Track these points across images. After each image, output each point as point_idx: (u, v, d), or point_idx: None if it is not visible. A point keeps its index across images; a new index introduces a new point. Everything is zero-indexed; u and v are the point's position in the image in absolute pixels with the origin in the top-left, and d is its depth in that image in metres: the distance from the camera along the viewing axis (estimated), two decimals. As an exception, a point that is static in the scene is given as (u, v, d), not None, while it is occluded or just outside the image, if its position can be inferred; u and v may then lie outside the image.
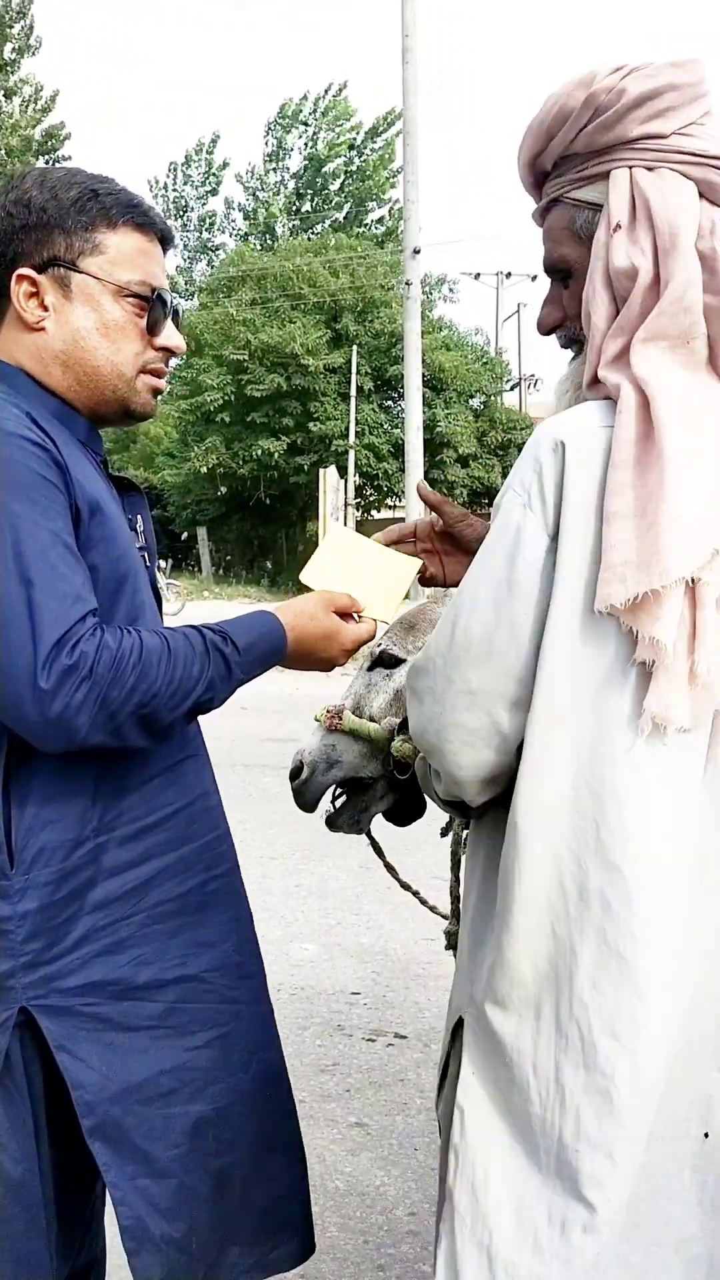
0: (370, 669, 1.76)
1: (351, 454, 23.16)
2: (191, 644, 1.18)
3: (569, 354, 1.24)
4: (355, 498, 23.25)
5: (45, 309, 1.23)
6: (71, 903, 1.20)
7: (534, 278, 30.57)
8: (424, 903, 2.00)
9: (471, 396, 24.67)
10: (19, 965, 1.18)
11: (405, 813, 1.84)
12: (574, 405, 1.15)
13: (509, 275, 30.45)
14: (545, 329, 1.24)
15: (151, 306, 1.26)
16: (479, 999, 1.11)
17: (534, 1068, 1.05)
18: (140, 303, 1.25)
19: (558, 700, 1.04)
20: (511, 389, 29.00)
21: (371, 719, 1.69)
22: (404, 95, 14.53)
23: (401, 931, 3.89)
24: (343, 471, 22.14)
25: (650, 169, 1.10)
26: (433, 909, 2.01)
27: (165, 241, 1.30)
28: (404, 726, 1.59)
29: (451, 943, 1.67)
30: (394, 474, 23.08)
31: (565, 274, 1.19)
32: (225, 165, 34.02)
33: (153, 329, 1.27)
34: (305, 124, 31.56)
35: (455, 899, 1.67)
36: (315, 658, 1.32)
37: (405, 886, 1.98)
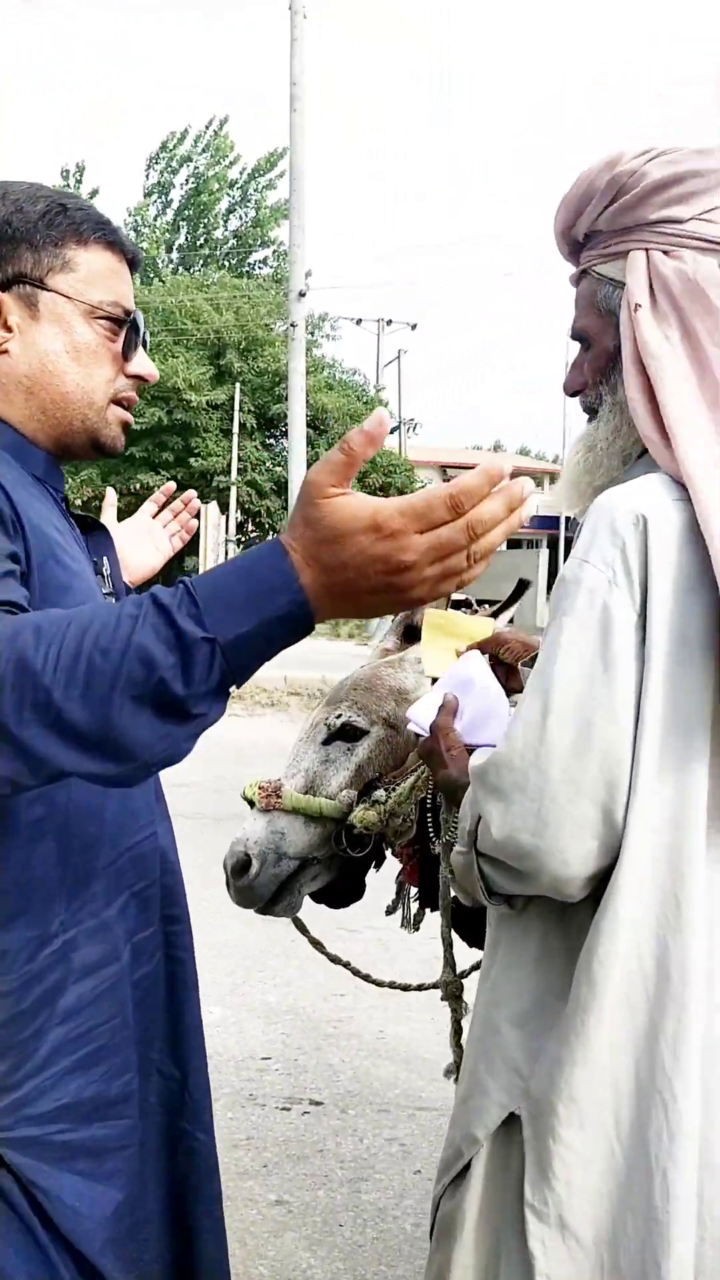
0: (327, 742, 1.61)
1: (233, 490, 23.05)
2: (112, 610, 0.82)
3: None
4: (236, 534, 23.11)
5: (8, 329, 1.11)
6: (39, 1013, 1.05)
7: (414, 326, 31.37)
8: (356, 973, 1.91)
9: (353, 437, 24.99)
10: None
11: (343, 893, 1.74)
12: (595, 467, 1.20)
13: (389, 322, 31.12)
14: (569, 391, 1.27)
15: (125, 330, 1.16)
16: (543, 1094, 1.06)
17: (618, 1150, 1.03)
18: (112, 326, 1.15)
19: (651, 778, 1.01)
20: (392, 432, 29.49)
21: (328, 799, 1.55)
22: (291, 141, 14.76)
23: (310, 988, 3.78)
24: (224, 508, 21.99)
25: (667, 252, 1.14)
26: (365, 977, 1.93)
27: (133, 264, 1.20)
28: (363, 796, 1.52)
29: (448, 993, 1.59)
30: (276, 511, 23.08)
31: (585, 342, 1.24)
32: (95, 194, 33.61)
33: (126, 354, 1.17)
34: (188, 159, 31.55)
35: (449, 946, 1.58)
36: (364, 591, 0.81)
37: (335, 960, 1.89)
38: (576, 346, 1.26)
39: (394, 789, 1.49)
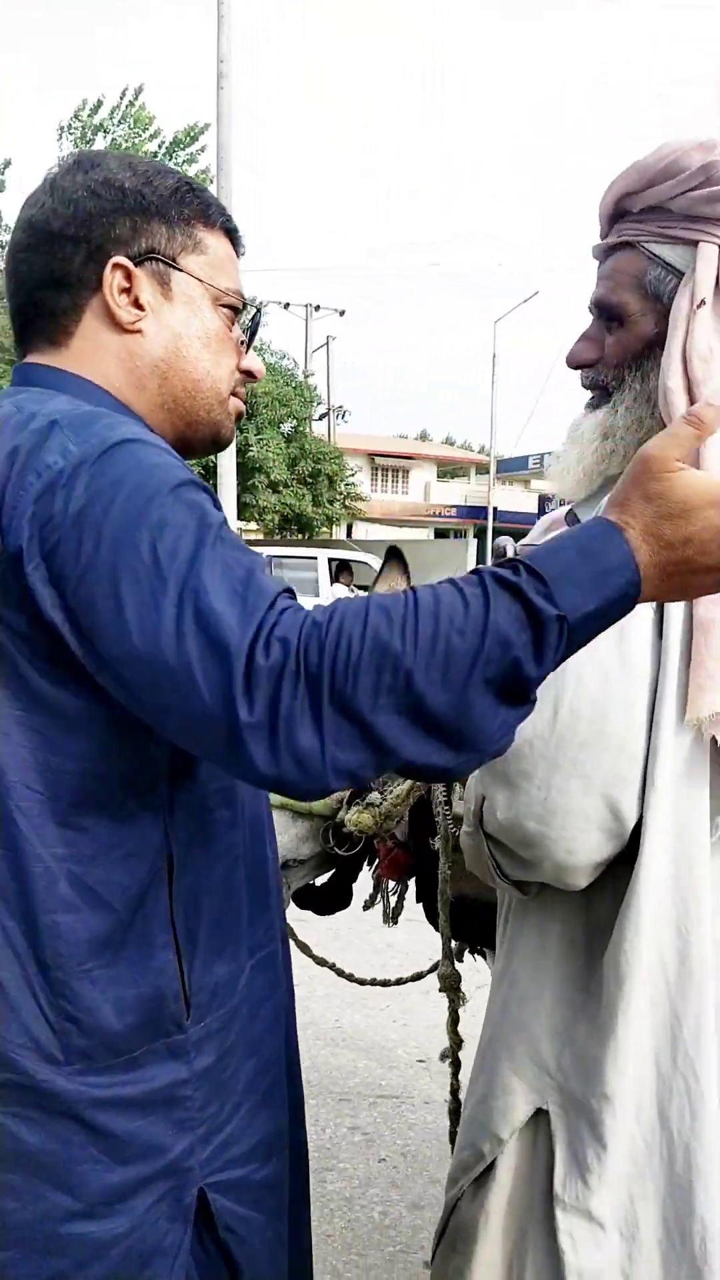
0: None
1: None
2: (448, 589, 0.78)
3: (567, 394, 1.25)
4: (164, 519, 22.78)
5: (140, 308, 1.01)
6: (237, 1048, 1.00)
7: (342, 312, 31.18)
8: (340, 973, 1.92)
9: (283, 422, 24.83)
10: (198, 1138, 0.95)
11: (330, 898, 1.73)
12: (610, 455, 1.16)
13: (318, 308, 30.93)
14: (576, 363, 1.21)
15: (247, 320, 1.11)
16: (576, 1090, 1.07)
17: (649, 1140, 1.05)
18: (232, 315, 1.08)
19: (667, 775, 1.02)
20: (321, 419, 29.44)
21: None
22: (218, 118, 14.51)
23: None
24: (151, 492, 21.63)
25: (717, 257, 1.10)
26: (349, 977, 1.94)
27: (239, 256, 1.13)
28: (355, 797, 1.51)
29: (447, 985, 1.59)
30: (204, 495, 22.82)
31: (617, 319, 1.17)
32: (8, 164, 32.41)
33: (244, 345, 1.10)
34: (102, 129, 30.61)
35: (448, 939, 1.57)
36: (701, 569, 0.80)
37: (320, 961, 1.89)
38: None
39: (389, 790, 1.48)
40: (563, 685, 1.02)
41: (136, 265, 1.00)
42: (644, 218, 1.15)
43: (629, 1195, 1.05)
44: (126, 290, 0.99)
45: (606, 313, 1.18)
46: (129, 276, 0.99)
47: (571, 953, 1.11)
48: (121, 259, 0.99)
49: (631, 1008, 1.04)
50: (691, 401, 1.07)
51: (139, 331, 1.00)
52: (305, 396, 26.98)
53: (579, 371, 1.22)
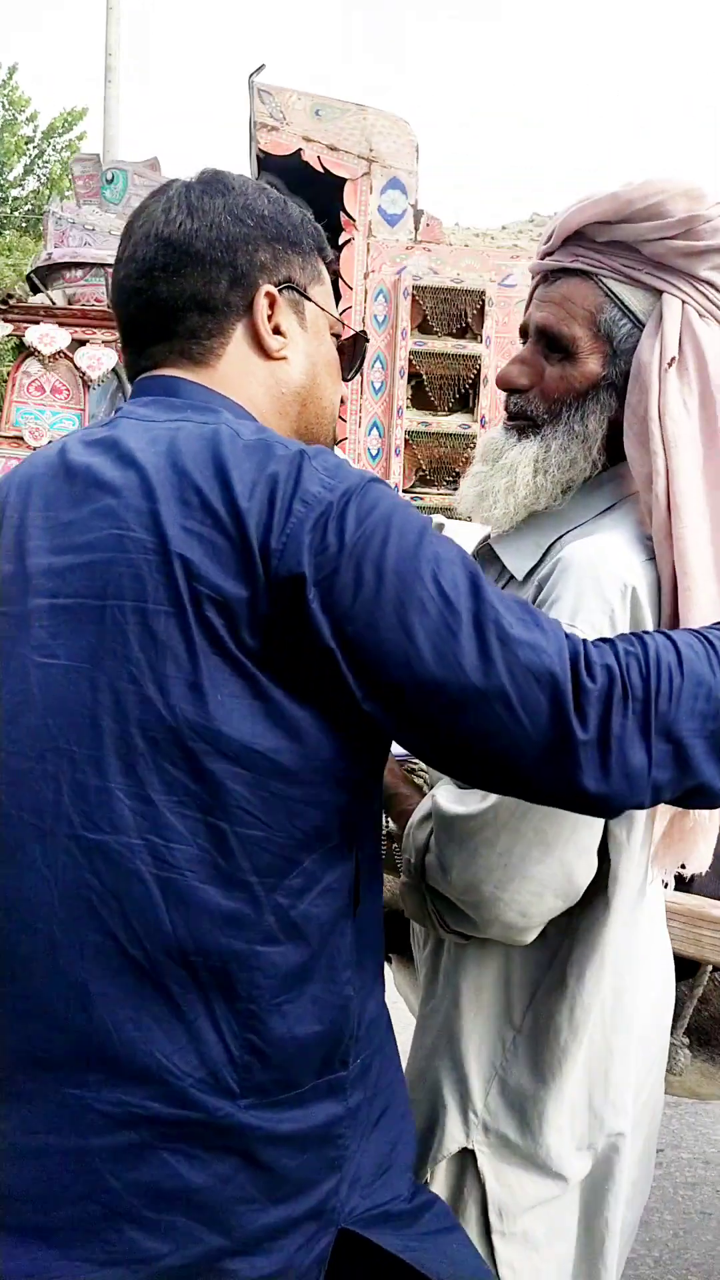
0: None
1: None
2: (693, 632, 0.91)
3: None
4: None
5: (283, 335, 1.02)
6: (381, 1088, 0.97)
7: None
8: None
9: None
10: (344, 1178, 0.92)
11: None
12: (539, 492, 1.13)
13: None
14: (509, 386, 1.15)
15: (354, 348, 1.12)
16: (509, 1130, 1.12)
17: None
18: (334, 344, 1.10)
19: (636, 845, 1.10)
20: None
21: None
22: (105, 112, 14.38)
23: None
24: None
25: (701, 315, 1.08)
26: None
27: None
28: None
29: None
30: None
31: (563, 351, 1.13)
32: None
33: (346, 374, 1.11)
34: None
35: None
36: None
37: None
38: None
39: None
40: None
41: (280, 293, 1.02)
42: (607, 251, 1.11)
43: (552, 1214, 1.14)
44: (269, 317, 1.01)
45: (553, 343, 1.13)
46: (273, 304, 1.01)
47: (506, 992, 1.14)
48: (270, 287, 1.00)
49: (581, 1053, 1.10)
50: (669, 473, 1.06)
51: (284, 359, 1.02)
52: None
53: (505, 394, 1.18)
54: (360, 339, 1.12)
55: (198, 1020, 0.84)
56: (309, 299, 1.05)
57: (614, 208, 1.08)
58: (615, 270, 1.10)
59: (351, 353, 1.11)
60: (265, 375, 1.01)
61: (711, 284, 1.08)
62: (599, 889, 1.09)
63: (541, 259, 1.16)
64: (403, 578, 0.82)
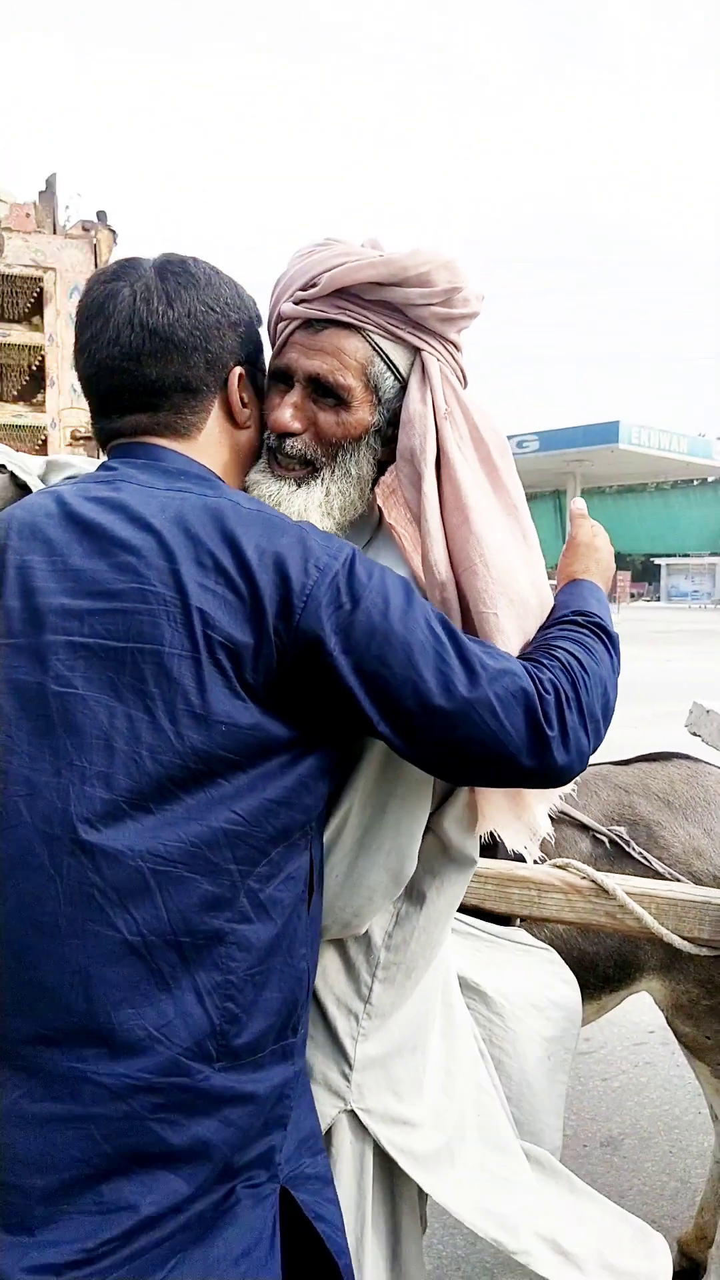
0: None
1: None
2: (596, 643, 1.19)
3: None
4: None
5: (245, 406, 1.20)
6: (304, 1044, 1.17)
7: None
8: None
9: None
10: (285, 1136, 1.08)
11: None
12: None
13: None
14: (284, 430, 1.20)
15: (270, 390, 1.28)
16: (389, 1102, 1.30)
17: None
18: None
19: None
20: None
21: None
22: None
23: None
24: None
25: (450, 370, 1.23)
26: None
27: None
28: None
29: None
30: None
31: (337, 399, 1.20)
32: None
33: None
34: None
35: None
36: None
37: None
38: None
39: None
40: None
41: (240, 366, 1.18)
42: (372, 308, 1.19)
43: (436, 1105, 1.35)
44: (238, 391, 1.18)
45: (328, 391, 1.20)
46: (239, 380, 1.18)
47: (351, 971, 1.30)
48: (239, 368, 1.17)
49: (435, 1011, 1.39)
50: (444, 508, 1.21)
51: (248, 427, 1.21)
52: None
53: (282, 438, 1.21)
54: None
55: (184, 995, 0.98)
56: (260, 370, 1.23)
57: (389, 272, 1.17)
58: (381, 327, 1.20)
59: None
60: (232, 442, 1.19)
61: (457, 345, 1.25)
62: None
63: (297, 304, 1.21)
64: (406, 625, 1.04)
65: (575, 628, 1.21)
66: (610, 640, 1.22)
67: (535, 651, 1.17)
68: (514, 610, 1.21)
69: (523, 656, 1.16)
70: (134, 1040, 0.95)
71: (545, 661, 1.13)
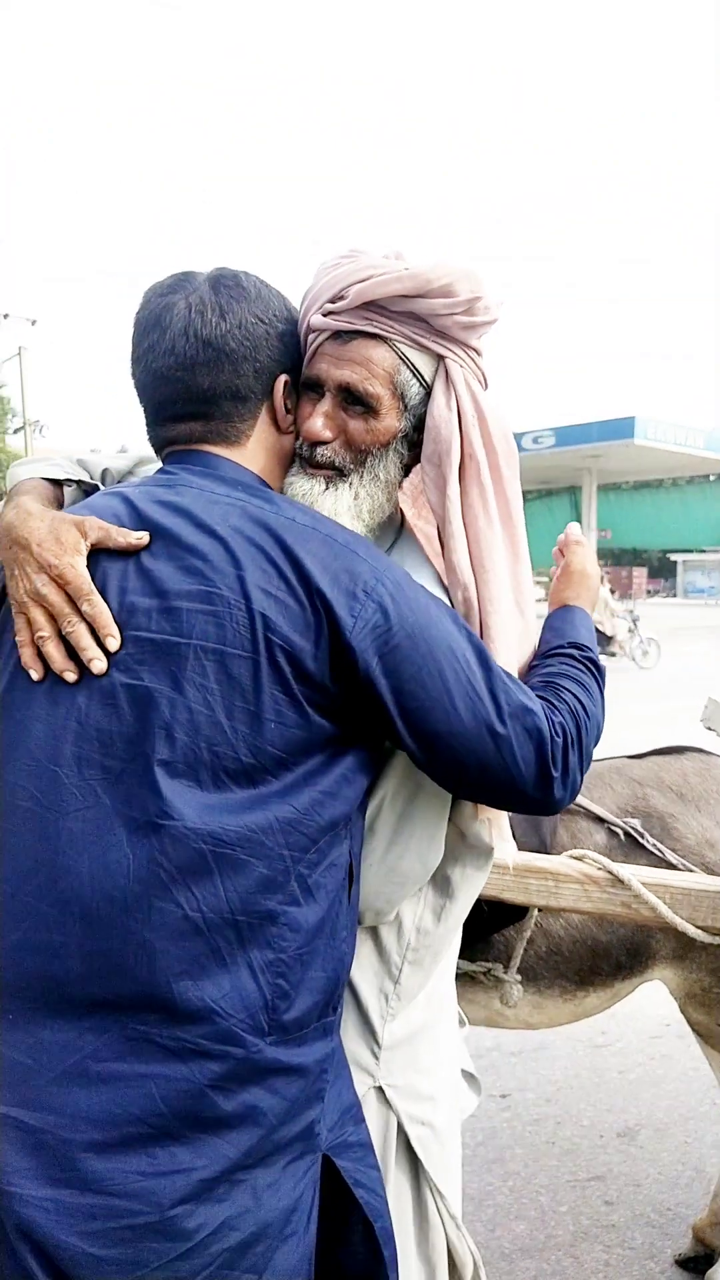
0: None
1: None
2: (589, 678, 1.28)
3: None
4: None
5: (290, 412, 1.25)
6: (340, 1023, 1.23)
7: (34, 321, 30.03)
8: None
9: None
10: (325, 1108, 1.13)
11: None
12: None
13: (6, 316, 29.66)
14: (316, 439, 1.25)
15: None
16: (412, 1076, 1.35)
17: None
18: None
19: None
20: (16, 432, 28.26)
21: None
22: None
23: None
24: None
25: (473, 376, 1.28)
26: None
27: None
28: None
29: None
30: None
31: (366, 407, 1.25)
32: None
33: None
34: None
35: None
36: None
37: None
38: None
39: None
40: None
41: (289, 378, 1.24)
42: (398, 318, 1.23)
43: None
44: (284, 398, 1.24)
45: (358, 400, 1.24)
46: (284, 387, 1.23)
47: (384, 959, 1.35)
48: (284, 375, 1.23)
49: (443, 989, 1.43)
50: (465, 511, 1.27)
51: (290, 432, 1.26)
52: (0, 409, 25.88)
53: (316, 446, 1.26)
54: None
55: (240, 971, 1.04)
56: (301, 375, 1.27)
57: (415, 285, 1.22)
58: (407, 337, 1.24)
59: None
60: (276, 447, 1.25)
61: (478, 350, 1.30)
62: None
63: (326, 315, 1.25)
64: (442, 651, 1.12)
65: (574, 662, 1.30)
66: (600, 676, 1.31)
67: (545, 689, 1.24)
68: (511, 620, 1.28)
69: (533, 689, 1.23)
70: (193, 1010, 1.01)
71: (556, 704, 1.21)
